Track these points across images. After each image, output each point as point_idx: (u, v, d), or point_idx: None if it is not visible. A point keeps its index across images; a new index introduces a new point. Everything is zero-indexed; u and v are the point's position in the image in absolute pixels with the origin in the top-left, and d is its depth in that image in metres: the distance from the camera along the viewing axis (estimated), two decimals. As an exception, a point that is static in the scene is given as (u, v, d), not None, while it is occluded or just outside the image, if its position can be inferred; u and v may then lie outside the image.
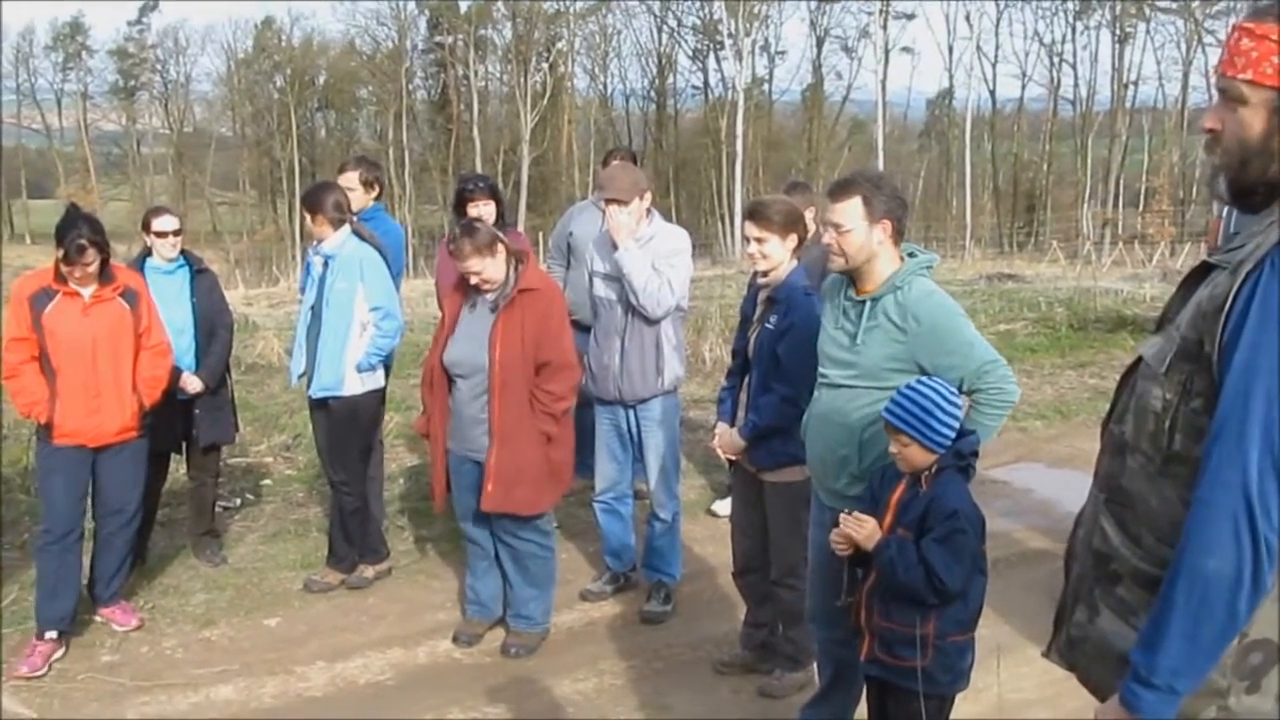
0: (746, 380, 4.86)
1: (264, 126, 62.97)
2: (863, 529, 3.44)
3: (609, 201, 5.47)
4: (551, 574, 5.49)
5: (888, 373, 3.73)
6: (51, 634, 5.23)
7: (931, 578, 3.32)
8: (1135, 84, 57.30)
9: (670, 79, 64.86)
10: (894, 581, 3.39)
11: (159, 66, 66.46)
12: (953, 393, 3.44)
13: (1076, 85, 59.08)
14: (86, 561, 5.57)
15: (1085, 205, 51.44)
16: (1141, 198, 51.45)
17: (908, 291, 3.74)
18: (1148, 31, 56.80)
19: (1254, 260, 1.87)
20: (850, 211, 3.77)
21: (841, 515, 3.51)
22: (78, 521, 5.31)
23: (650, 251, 5.40)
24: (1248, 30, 1.93)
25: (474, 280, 5.12)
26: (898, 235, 3.81)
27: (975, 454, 3.49)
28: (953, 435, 3.40)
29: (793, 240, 4.62)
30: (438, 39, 62.66)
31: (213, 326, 6.23)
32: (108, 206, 56.48)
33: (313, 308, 5.90)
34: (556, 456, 5.22)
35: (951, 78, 60.73)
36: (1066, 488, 7.52)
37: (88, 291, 5.19)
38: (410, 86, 61.35)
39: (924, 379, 3.47)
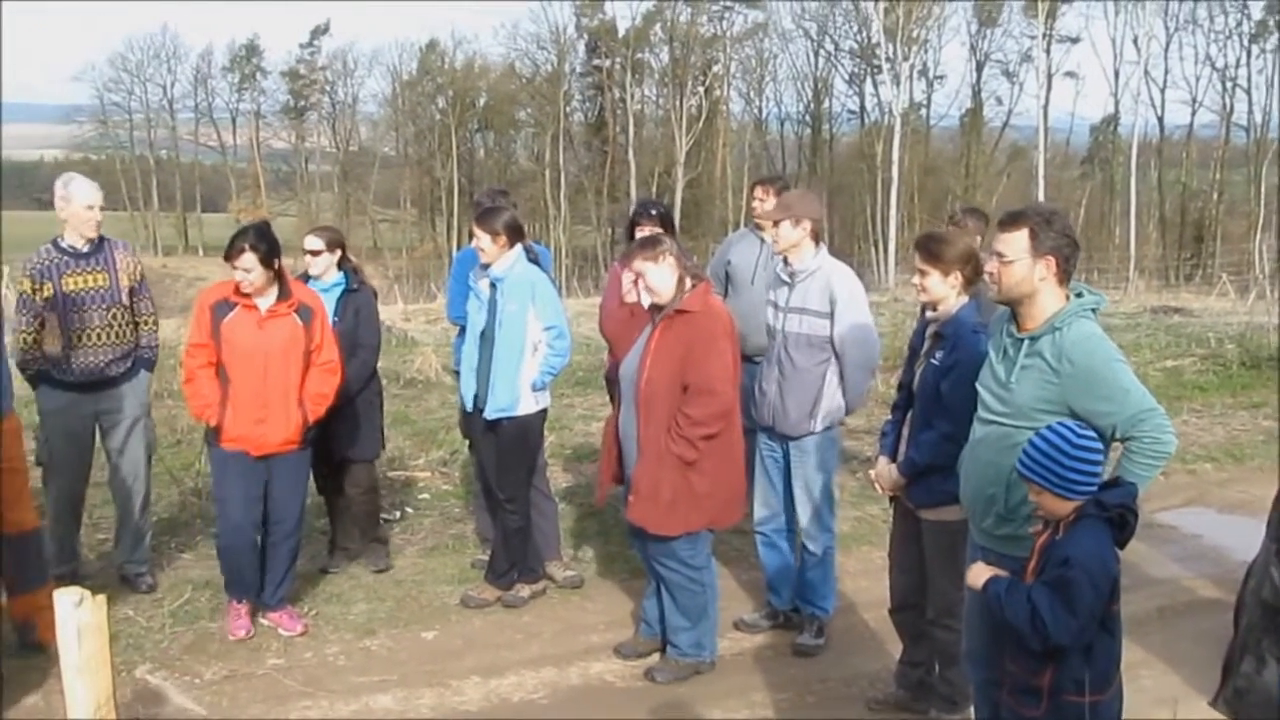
0: (910, 415, 4.80)
1: (425, 146, 64.68)
2: (970, 573, 3.51)
3: (777, 223, 5.51)
4: (703, 608, 5.35)
5: (1039, 414, 3.64)
6: (242, 603, 5.62)
7: (1035, 620, 3.24)
8: (1315, 109, 54.85)
9: (826, 103, 64.65)
10: (999, 619, 3.36)
11: (328, 88, 68.82)
12: (1086, 435, 3.32)
13: (1251, 111, 56.82)
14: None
15: (1259, 236, 49.40)
16: (1321, 229, 49.18)
17: (1066, 333, 3.65)
18: (1328, 55, 54.36)
19: None
20: (1016, 243, 3.70)
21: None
22: (252, 530, 5.56)
23: (820, 283, 5.46)
24: None
25: (638, 282, 5.21)
26: (1063, 274, 3.72)
27: (1126, 506, 3.34)
28: (1088, 480, 3.29)
29: (955, 277, 4.57)
30: (595, 62, 63.52)
31: (354, 346, 6.26)
32: (276, 222, 58.59)
33: (483, 332, 5.96)
34: (700, 485, 5.07)
35: (1117, 103, 58.78)
36: (1238, 535, 7.17)
37: (265, 305, 5.43)
38: (568, 109, 62.27)
39: (1055, 424, 3.38)
